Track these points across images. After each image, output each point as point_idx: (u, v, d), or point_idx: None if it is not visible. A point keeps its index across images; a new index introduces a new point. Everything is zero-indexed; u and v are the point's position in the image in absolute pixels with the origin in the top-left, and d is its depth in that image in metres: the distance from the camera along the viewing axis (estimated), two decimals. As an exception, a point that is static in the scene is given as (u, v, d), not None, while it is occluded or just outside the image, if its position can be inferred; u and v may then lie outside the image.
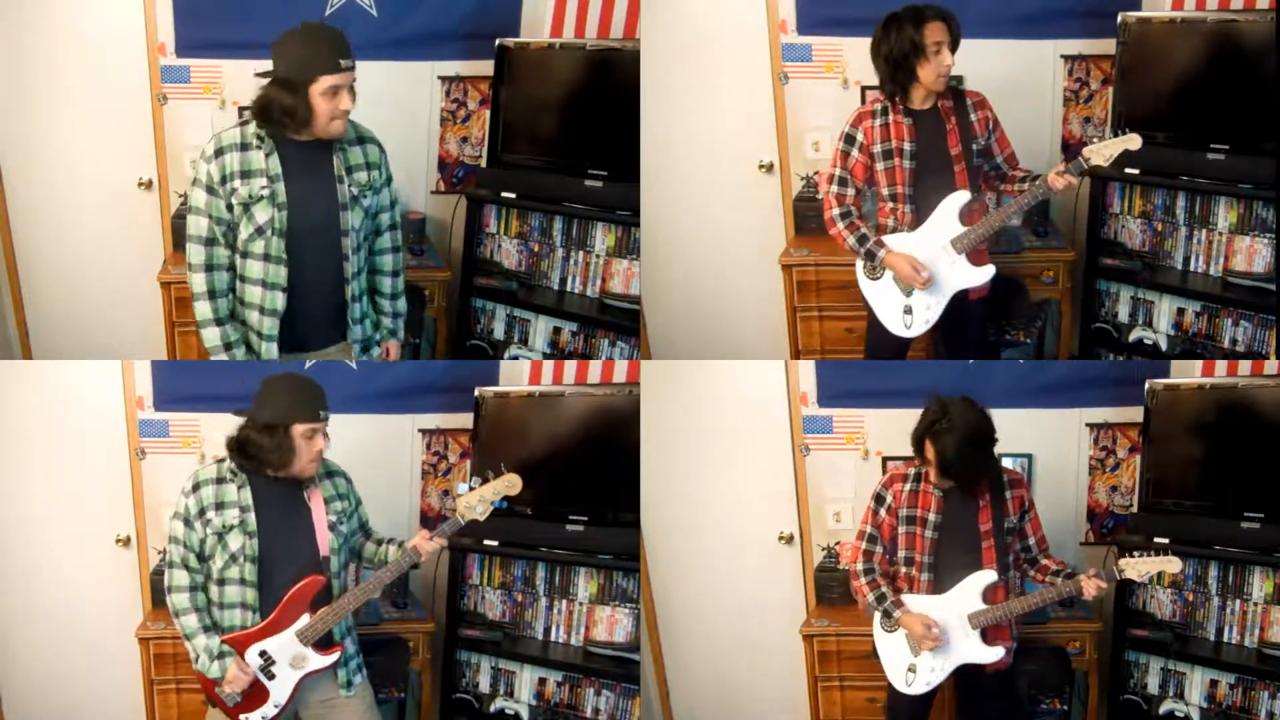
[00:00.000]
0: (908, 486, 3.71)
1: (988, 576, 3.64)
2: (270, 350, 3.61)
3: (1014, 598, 3.68)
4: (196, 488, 3.50)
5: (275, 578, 3.47)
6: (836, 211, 3.88)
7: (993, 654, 3.66)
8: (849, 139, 3.86)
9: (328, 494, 3.57)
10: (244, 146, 3.53)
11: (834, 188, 3.88)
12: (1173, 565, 3.61)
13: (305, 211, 3.56)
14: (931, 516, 3.68)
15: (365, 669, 3.67)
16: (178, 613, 3.48)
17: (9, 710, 4.41)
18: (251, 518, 3.46)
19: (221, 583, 3.47)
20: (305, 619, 3.48)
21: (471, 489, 3.60)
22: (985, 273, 3.86)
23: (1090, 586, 3.60)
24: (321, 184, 3.58)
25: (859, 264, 3.93)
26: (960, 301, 3.90)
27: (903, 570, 3.72)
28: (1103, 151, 3.74)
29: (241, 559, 3.45)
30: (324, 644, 3.51)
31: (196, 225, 3.56)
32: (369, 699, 3.64)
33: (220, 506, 3.47)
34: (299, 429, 3.44)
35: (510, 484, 3.61)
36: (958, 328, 4.01)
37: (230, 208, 3.53)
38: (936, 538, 3.67)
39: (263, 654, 3.46)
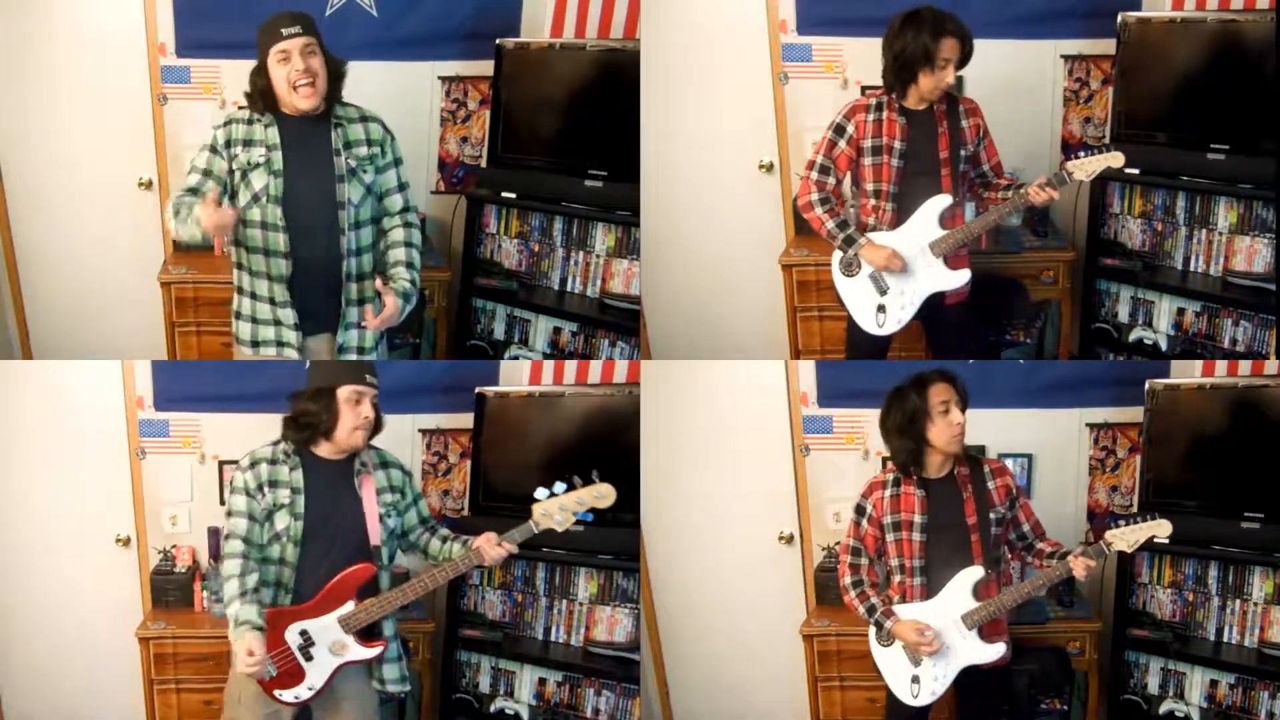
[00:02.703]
0: (888, 493, 3.67)
1: (975, 573, 3.60)
2: (289, 316, 3.66)
3: (1005, 589, 3.65)
4: (254, 464, 3.51)
5: (318, 562, 3.47)
6: (815, 196, 3.86)
7: (994, 652, 3.63)
8: (839, 129, 3.85)
9: (380, 485, 3.58)
10: (249, 121, 3.67)
11: (814, 174, 3.87)
12: (1163, 528, 3.53)
13: (302, 181, 3.63)
14: (916, 518, 3.64)
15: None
16: (227, 577, 3.44)
17: (9, 710, 4.41)
18: (301, 500, 3.48)
19: (263, 560, 3.49)
20: (350, 605, 3.47)
21: (553, 495, 3.45)
22: (961, 277, 3.85)
23: (1079, 566, 3.55)
24: (318, 157, 3.66)
25: (834, 262, 3.92)
26: (938, 305, 3.90)
27: (895, 579, 3.68)
28: (1086, 167, 3.75)
29: (285, 539, 3.47)
30: (367, 636, 3.50)
31: (190, 178, 3.67)
32: (375, 706, 3.62)
33: (274, 485, 3.49)
34: (344, 391, 3.47)
35: (600, 495, 3.42)
36: (937, 331, 4.02)
37: (231, 172, 3.64)
38: (924, 539, 3.63)
39: (303, 633, 3.45)
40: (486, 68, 4.41)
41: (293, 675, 3.47)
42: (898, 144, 3.80)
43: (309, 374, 3.55)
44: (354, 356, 3.75)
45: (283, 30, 3.58)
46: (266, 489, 3.49)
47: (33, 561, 4.37)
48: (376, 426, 3.54)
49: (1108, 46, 4.30)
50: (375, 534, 3.52)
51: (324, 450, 3.53)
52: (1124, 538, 3.56)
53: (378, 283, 3.64)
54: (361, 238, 3.71)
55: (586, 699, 4.27)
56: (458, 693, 4.37)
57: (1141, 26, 4.23)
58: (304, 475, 3.50)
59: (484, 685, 4.36)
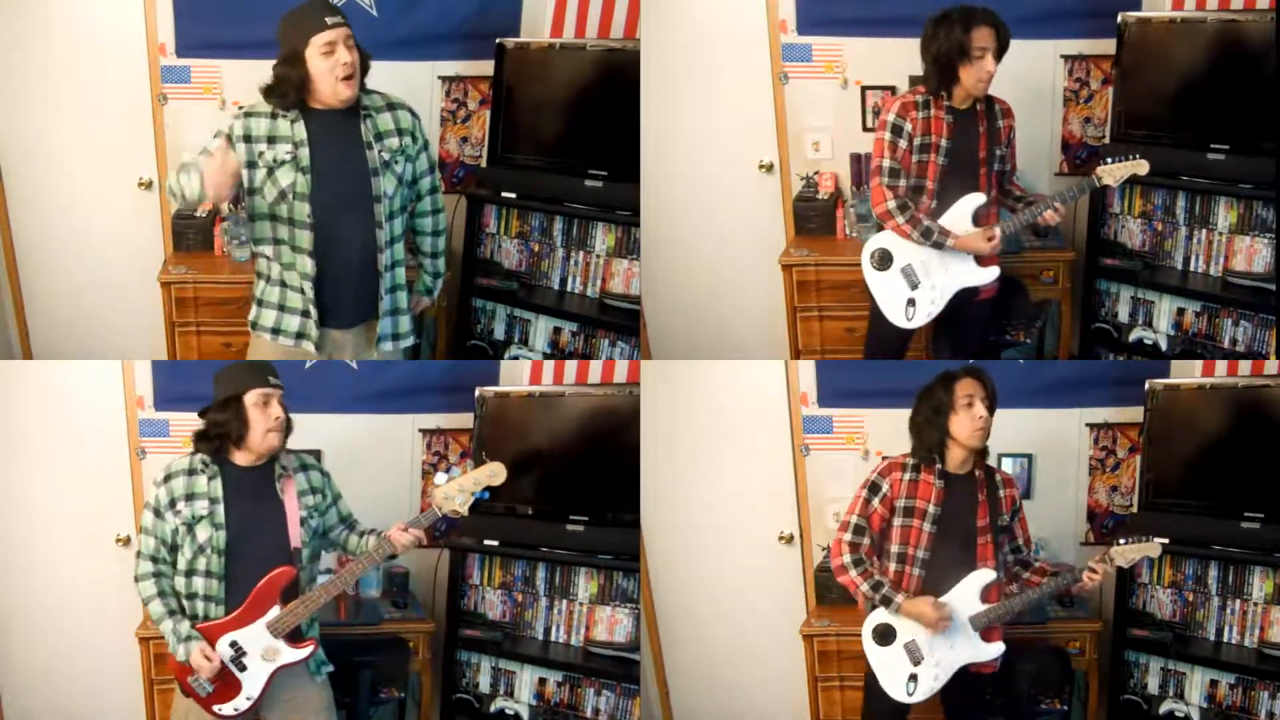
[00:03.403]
0: (906, 476, 3.64)
1: (987, 575, 3.60)
2: (313, 311, 3.61)
3: (1017, 594, 3.64)
4: (168, 478, 3.50)
5: (244, 570, 3.46)
6: (894, 204, 3.81)
7: (994, 650, 3.63)
8: (896, 129, 3.81)
9: (301, 487, 3.56)
10: (272, 116, 3.56)
11: (886, 179, 3.82)
12: (1152, 550, 3.61)
13: (334, 178, 3.56)
14: (931, 508, 3.62)
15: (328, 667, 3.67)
16: (145, 600, 3.49)
17: (9, 710, 4.41)
18: (220, 510, 3.46)
19: (189, 574, 3.47)
20: (275, 610, 3.46)
21: (451, 479, 3.51)
22: (991, 273, 3.88)
23: (1087, 579, 3.59)
24: (350, 151, 3.58)
25: (864, 256, 3.91)
26: (967, 301, 3.91)
27: (893, 567, 3.64)
28: (1115, 173, 3.81)
29: (209, 550, 3.45)
30: (295, 638, 3.50)
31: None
32: (329, 697, 3.61)
33: (190, 498, 3.47)
34: (250, 396, 3.45)
35: (493, 473, 3.49)
36: (962, 327, 4.02)
37: (252, 164, 3.54)
38: (934, 531, 3.62)
39: (234, 644, 3.45)
40: (486, 68, 4.41)
41: (229, 688, 3.47)
42: (944, 142, 3.81)
43: (215, 386, 3.50)
44: (391, 345, 3.73)
45: (327, 20, 3.48)
46: (181, 503, 3.47)
47: (33, 561, 4.37)
48: (288, 426, 3.52)
49: (1108, 46, 4.30)
50: (296, 537, 3.50)
51: (240, 458, 3.50)
52: (1124, 554, 3.62)
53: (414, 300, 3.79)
54: (395, 228, 3.66)
55: (586, 699, 4.27)
56: (458, 693, 4.37)
57: (1141, 26, 4.23)
58: (222, 484, 3.48)
59: (484, 685, 4.36)
